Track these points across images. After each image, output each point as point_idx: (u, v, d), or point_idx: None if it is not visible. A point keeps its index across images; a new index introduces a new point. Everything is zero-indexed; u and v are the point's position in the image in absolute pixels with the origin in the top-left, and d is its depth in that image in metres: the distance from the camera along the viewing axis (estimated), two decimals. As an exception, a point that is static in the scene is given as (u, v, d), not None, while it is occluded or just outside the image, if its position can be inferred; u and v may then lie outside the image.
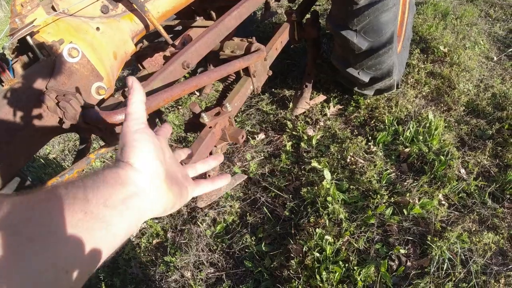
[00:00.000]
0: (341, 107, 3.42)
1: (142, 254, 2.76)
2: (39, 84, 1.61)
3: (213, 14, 3.40)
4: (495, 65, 3.77)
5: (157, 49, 2.84)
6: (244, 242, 2.61)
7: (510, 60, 3.80)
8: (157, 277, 2.61)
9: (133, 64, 3.15)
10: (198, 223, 2.80)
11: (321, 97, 3.45)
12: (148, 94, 1.72)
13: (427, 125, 2.99)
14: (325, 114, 3.35)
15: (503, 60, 3.84)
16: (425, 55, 3.89)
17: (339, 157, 2.93)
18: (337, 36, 2.65)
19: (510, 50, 3.92)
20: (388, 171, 2.75)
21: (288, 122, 3.30)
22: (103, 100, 1.89)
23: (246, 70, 2.43)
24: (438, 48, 3.93)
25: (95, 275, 2.71)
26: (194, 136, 3.46)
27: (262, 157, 3.18)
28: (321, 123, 3.27)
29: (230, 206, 2.89)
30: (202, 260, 2.60)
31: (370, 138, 3.06)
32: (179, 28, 3.28)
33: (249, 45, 2.42)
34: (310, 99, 3.38)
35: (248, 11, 2.44)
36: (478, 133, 3.01)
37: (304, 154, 3.06)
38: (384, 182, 2.68)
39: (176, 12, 2.57)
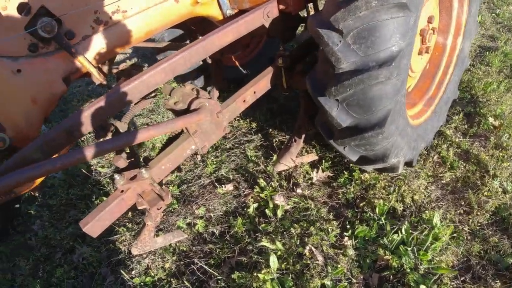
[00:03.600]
0: (331, 174, 2.64)
1: None
2: None
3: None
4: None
5: (131, 73, 2.46)
6: None
7: None
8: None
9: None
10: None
11: (311, 157, 2.71)
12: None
13: (426, 231, 2.16)
14: (310, 179, 2.61)
15: None
16: (468, 125, 2.92)
17: (298, 243, 2.22)
18: (316, 101, 1.92)
19: None
20: (347, 283, 2.00)
21: (261, 180, 2.61)
22: (8, 150, 1.70)
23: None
24: (487, 118, 2.93)
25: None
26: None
27: (221, 213, 2.57)
28: (299, 190, 2.55)
29: (164, 260, 2.37)
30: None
31: (349, 226, 2.30)
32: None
33: (192, 100, 1.82)
34: (298, 155, 2.67)
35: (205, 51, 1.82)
36: (495, 258, 2.09)
37: (263, 224, 2.39)
38: (336, 297, 1.95)
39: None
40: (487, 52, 3.92)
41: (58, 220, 2.96)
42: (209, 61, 3.07)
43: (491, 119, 2.90)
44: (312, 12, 2.43)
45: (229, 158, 2.98)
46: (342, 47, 1.65)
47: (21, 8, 1.67)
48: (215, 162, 2.95)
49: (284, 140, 3.00)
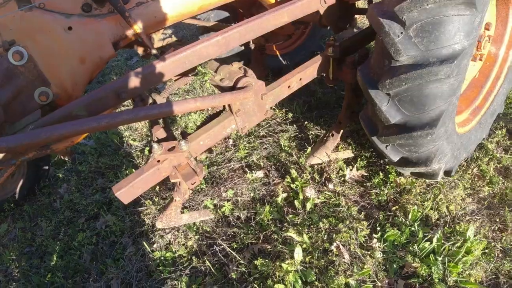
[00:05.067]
0: (366, 174, 2.56)
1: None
2: None
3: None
4: None
5: (176, 48, 2.46)
6: (176, 286, 2.11)
7: None
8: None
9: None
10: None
11: (347, 153, 2.63)
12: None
13: (458, 243, 2.07)
14: (343, 176, 2.54)
15: None
16: (510, 141, 2.77)
17: (325, 237, 2.16)
18: (366, 93, 1.86)
19: None
20: (372, 286, 1.93)
21: (293, 170, 2.56)
22: (50, 105, 1.71)
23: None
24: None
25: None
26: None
27: (249, 199, 2.53)
28: (331, 186, 2.48)
29: (186, 237, 2.36)
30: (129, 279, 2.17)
31: (379, 229, 2.22)
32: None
33: (239, 78, 1.78)
34: (334, 151, 2.61)
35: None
36: None
37: (291, 215, 2.34)
38: (360, 298, 1.89)
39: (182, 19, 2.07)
40: None
41: (85, 186, 2.98)
42: (252, 46, 3.03)
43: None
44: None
45: (261, 145, 2.93)
46: (403, 39, 1.58)
47: None
48: (247, 148, 2.92)
49: (319, 134, 2.93)
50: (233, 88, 1.84)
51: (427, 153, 1.92)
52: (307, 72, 2.12)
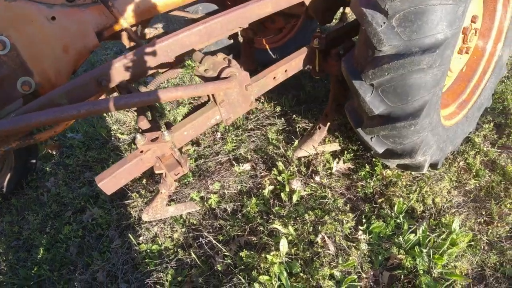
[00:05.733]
0: (352, 166, 2.56)
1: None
2: None
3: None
4: None
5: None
6: (161, 278, 2.10)
7: None
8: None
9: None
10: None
11: (334, 146, 2.63)
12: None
13: (444, 235, 2.07)
14: (330, 168, 2.54)
15: None
16: (497, 135, 2.79)
17: (310, 229, 2.16)
18: (350, 84, 1.85)
19: None
20: (356, 277, 1.93)
21: (280, 163, 2.55)
22: (34, 94, 1.72)
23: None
24: (517, 129, 2.80)
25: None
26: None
27: (235, 191, 2.53)
28: (317, 178, 2.48)
29: (173, 230, 2.35)
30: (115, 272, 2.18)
31: (364, 221, 2.22)
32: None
33: (223, 69, 1.77)
34: (321, 144, 2.60)
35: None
36: (509, 272, 1.98)
37: (277, 208, 2.34)
38: (343, 287, 1.88)
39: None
40: None
41: (72, 179, 2.96)
42: (241, 39, 3.01)
43: (523, 130, 2.77)
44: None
45: (249, 138, 2.92)
46: (386, 28, 1.58)
47: None
48: (234, 141, 2.91)
49: (307, 127, 2.92)
50: (217, 78, 1.83)
51: (412, 145, 1.91)
52: (292, 64, 2.11)
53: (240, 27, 1.85)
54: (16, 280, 2.33)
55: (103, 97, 1.88)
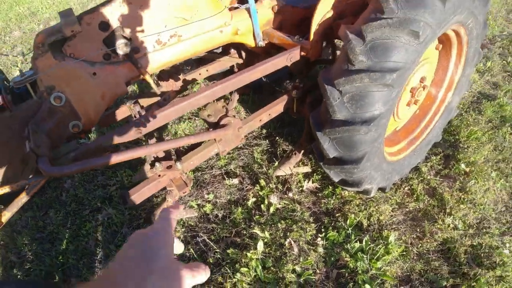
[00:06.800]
0: (319, 186, 3.44)
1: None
2: (27, 118, 2.12)
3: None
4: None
5: (172, 75, 3.20)
6: None
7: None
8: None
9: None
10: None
11: (305, 169, 3.49)
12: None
13: (381, 245, 2.95)
14: (302, 186, 3.41)
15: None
16: (443, 166, 3.66)
17: (281, 235, 3.03)
18: (314, 134, 2.68)
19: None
20: (312, 272, 2.81)
21: (262, 180, 3.42)
22: (79, 133, 2.40)
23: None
24: (460, 163, 3.66)
25: None
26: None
27: (225, 201, 3.38)
28: (290, 194, 3.35)
29: (175, 230, 3.19)
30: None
31: (323, 230, 3.10)
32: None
33: (222, 117, 2.59)
34: (296, 166, 3.45)
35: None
36: (432, 278, 2.83)
37: (257, 216, 3.20)
38: (302, 279, 2.76)
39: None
40: (484, 100, 4.54)
41: (88, 182, 3.76)
42: (236, 70, 3.81)
43: (463, 165, 3.62)
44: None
45: (239, 156, 3.77)
46: (339, 103, 2.40)
47: (101, 25, 2.32)
48: (227, 158, 3.75)
49: (287, 149, 3.78)
50: (217, 123, 2.65)
51: (358, 179, 2.77)
52: (275, 109, 2.93)
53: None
54: (42, 267, 3.13)
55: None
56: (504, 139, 4.02)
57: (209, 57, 3.61)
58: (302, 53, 2.81)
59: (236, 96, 4.00)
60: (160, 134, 4.03)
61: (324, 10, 2.67)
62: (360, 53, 2.27)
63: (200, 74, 3.53)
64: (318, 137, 2.61)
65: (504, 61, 5.58)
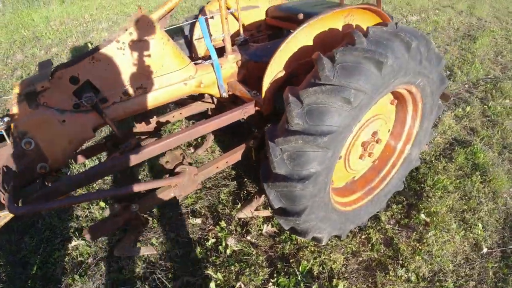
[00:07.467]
0: (277, 230, 3.70)
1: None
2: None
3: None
4: (477, 260, 3.46)
5: (145, 117, 3.58)
6: None
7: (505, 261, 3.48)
8: None
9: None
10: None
11: (266, 213, 3.76)
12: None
13: (327, 295, 3.19)
14: (261, 230, 3.68)
15: (495, 256, 3.52)
16: (404, 215, 3.89)
17: (234, 277, 3.29)
18: (261, 184, 2.97)
19: None
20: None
21: (223, 222, 3.71)
22: (46, 174, 2.68)
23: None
24: (420, 213, 3.85)
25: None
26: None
27: (187, 240, 3.67)
28: (249, 237, 3.62)
29: (135, 265, 3.49)
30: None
31: (275, 275, 3.35)
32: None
33: (177, 165, 2.91)
34: (257, 209, 3.74)
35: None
36: None
37: (214, 257, 3.47)
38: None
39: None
40: (458, 147, 4.74)
41: (63, 212, 4.11)
42: (210, 113, 4.15)
43: (423, 215, 3.83)
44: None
45: (205, 196, 4.08)
46: (279, 159, 2.70)
47: (72, 79, 2.66)
48: (194, 197, 4.06)
49: (252, 192, 4.07)
50: (172, 170, 2.97)
51: (304, 229, 3.03)
52: (233, 157, 3.24)
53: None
54: (12, 288, 3.47)
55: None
56: (473, 188, 4.21)
57: (183, 101, 3.97)
58: (257, 108, 3.14)
59: (211, 137, 4.36)
60: (123, 176, 4.37)
61: (275, 70, 3.01)
62: (296, 116, 2.58)
63: (173, 116, 3.88)
64: (265, 188, 2.91)
65: (485, 106, 5.77)
